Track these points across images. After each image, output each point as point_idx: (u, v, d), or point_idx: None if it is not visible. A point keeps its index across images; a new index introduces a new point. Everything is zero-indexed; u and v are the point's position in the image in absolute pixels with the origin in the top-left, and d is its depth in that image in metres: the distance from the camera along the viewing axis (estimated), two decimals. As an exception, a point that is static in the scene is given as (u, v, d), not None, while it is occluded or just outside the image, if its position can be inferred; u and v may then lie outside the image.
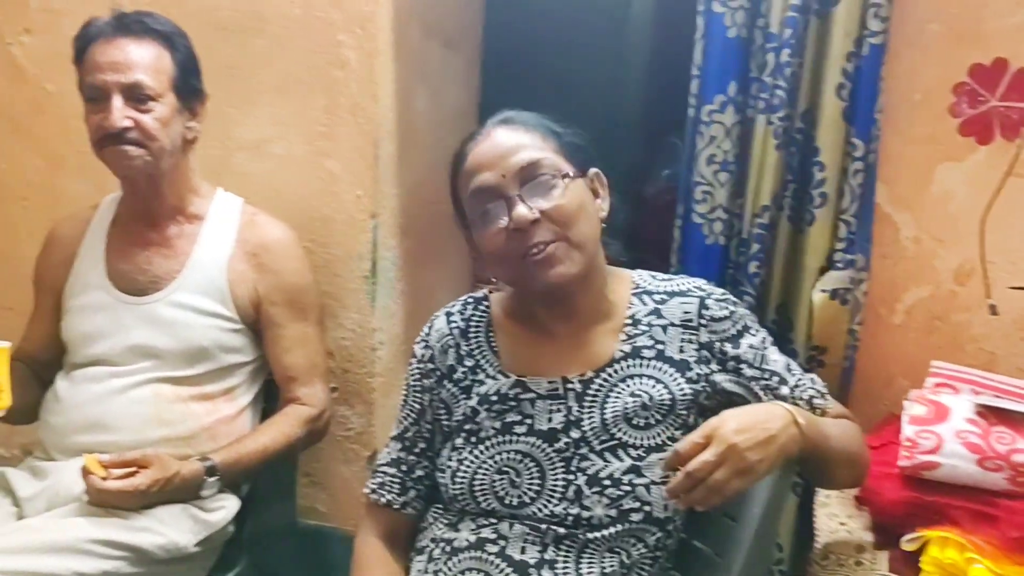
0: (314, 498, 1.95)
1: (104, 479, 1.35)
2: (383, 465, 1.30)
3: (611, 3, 3.34)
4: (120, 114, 1.43)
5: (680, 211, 1.61)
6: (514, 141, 1.14)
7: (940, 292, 1.63)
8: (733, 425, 1.02)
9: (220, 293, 1.53)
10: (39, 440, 1.56)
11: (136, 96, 1.44)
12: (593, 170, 1.19)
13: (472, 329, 1.25)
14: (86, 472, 1.35)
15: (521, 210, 1.10)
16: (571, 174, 1.14)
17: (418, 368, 1.27)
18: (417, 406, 1.27)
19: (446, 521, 1.22)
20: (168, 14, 1.68)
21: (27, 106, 1.95)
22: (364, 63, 1.73)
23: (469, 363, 1.23)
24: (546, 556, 1.13)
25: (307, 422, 1.57)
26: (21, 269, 2.01)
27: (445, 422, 1.24)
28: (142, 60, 1.45)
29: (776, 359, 1.20)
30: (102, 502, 1.36)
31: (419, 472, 1.27)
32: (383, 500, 1.28)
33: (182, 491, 1.42)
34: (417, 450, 1.27)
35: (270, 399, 1.67)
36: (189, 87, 1.52)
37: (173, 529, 1.40)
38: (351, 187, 1.79)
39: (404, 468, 1.28)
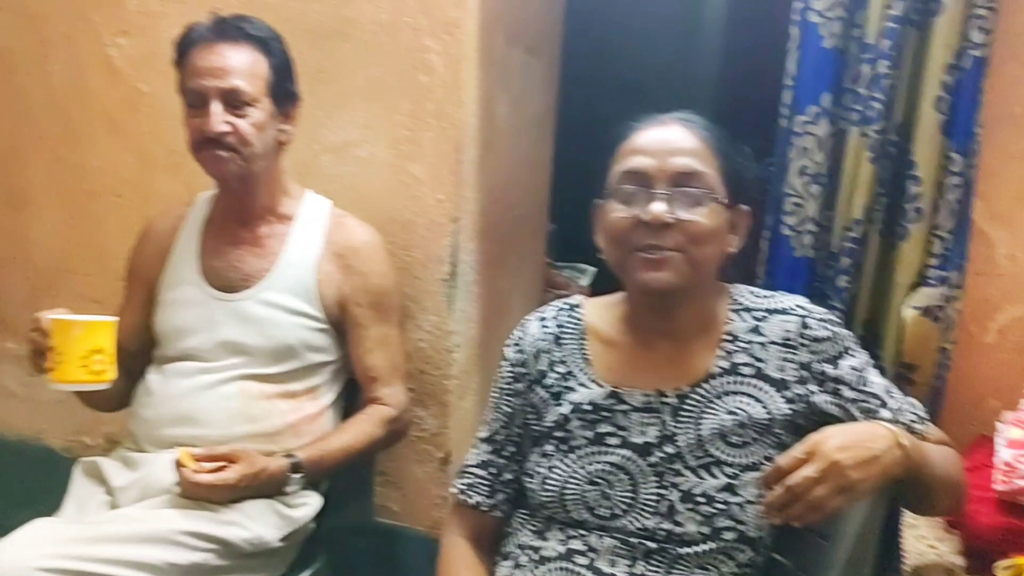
0: (387, 497, 1.96)
1: (196, 472, 1.39)
2: (472, 466, 1.31)
3: (684, 12, 3.32)
4: (218, 119, 1.46)
5: (769, 223, 1.59)
6: (687, 144, 1.13)
7: (1035, 312, 1.58)
8: (836, 442, 1.01)
9: (308, 293, 1.56)
10: (130, 431, 1.60)
11: (233, 101, 1.47)
12: (745, 207, 1.18)
13: (565, 335, 1.25)
14: (179, 465, 1.39)
15: (660, 207, 1.09)
16: (723, 200, 1.13)
17: (510, 372, 1.28)
18: (508, 409, 1.28)
19: (532, 528, 1.22)
20: (261, 18, 1.72)
21: (122, 105, 2.01)
22: (450, 69, 1.74)
23: (561, 369, 1.23)
24: (635, 570, 1.13)
25: (388, 423, 1.59)
26: (111, 263, 2.08)
27: (535, 427, 1.24)
28: (240, 65, 1.48)
29: (876, 382, 1.17)
30: (193, 495, 1.40)
31: (508, 475, 1.28)
32: (472, 501, 1.29)
33: (268, 486, 1.45)
34: (506, 453, 1.28)
35: (350, 398, 1.70)
36: (283, 91, 1.55)
37: (259, 524, 1.43)
38: (433, 191, 1.80)
39: (493, 470, 1.28)
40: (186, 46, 1.52)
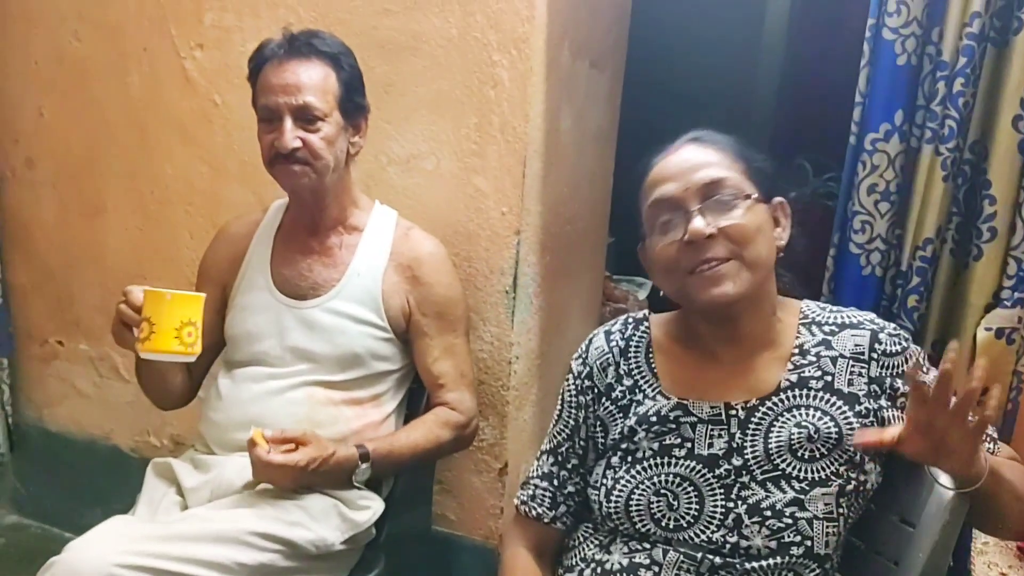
0: (445, 506, 1.98)
1: (268, 453, 1.42)
2: (534, 478, 1.32)
3: (746, 28, 3.31)
4: (291, 135, 1.49)
5: (835, 240, 1.58)
6: (702, 158, 1.15)
7: (1114, 335, 1.53)
8: None
9: (374, 302, 1.59)
10: (200, 434, 1.64)
11: (305, 117, 1.50)
12: (778, 199, 1.19)
13: (632, 349, 1.26)
14: (252, 444, 1.42)
15: (698, 223, 1.10)
16: (754, 196, 1.13)
17: (575, 384, 1.29)
18: (572, 422, 1.28)
19: (597, 541, 1.23)
20: (332, 32, 1.76)
21: (195, 117, 2.07)
22: (517, 83, 1.76)
23: (628, 382, 1.24)
24: (701, 585, 1.12)
25: (456, 427, 1.61)
26: (181, 270, 2.15)
27: (600, 440, 1.25)
28: (310, 82, 1.51)
29: None
30: (264, 475, 1.44)
31: (570, 488, 1.29)
32: (534, 513, 1.30)
33: (336, 472, 1.47)
34: (570, 465, 1.29)
35: (412, 407, 1.72)
36: (353, 105, 1.57)
37: (323, 525, 1.46)
38: (497, 204, 1.82)
39: (556, 483, 1.29)
40: (259, 62, 1.56)
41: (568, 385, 1.30)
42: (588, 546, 1.23)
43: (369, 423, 1.60)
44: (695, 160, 1.15)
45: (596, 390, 1.26)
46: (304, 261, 1.62)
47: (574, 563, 1.24)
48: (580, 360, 1.29)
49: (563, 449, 1.29)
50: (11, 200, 2.36)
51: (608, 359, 1.26)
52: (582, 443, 1.28)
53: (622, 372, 1.24)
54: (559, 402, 1.31)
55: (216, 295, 1.68)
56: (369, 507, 1.54)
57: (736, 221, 1.11)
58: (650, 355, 1.25)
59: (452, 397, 1.63)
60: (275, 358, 1.59)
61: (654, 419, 1.19)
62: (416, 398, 1.71)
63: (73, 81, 2.20)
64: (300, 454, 1.43)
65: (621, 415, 1.22)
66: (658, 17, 2.83)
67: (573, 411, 1.28)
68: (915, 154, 1.51)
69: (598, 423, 1.25)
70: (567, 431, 1.29)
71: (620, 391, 1.24)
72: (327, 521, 1.47)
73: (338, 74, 1.55)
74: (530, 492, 1.31)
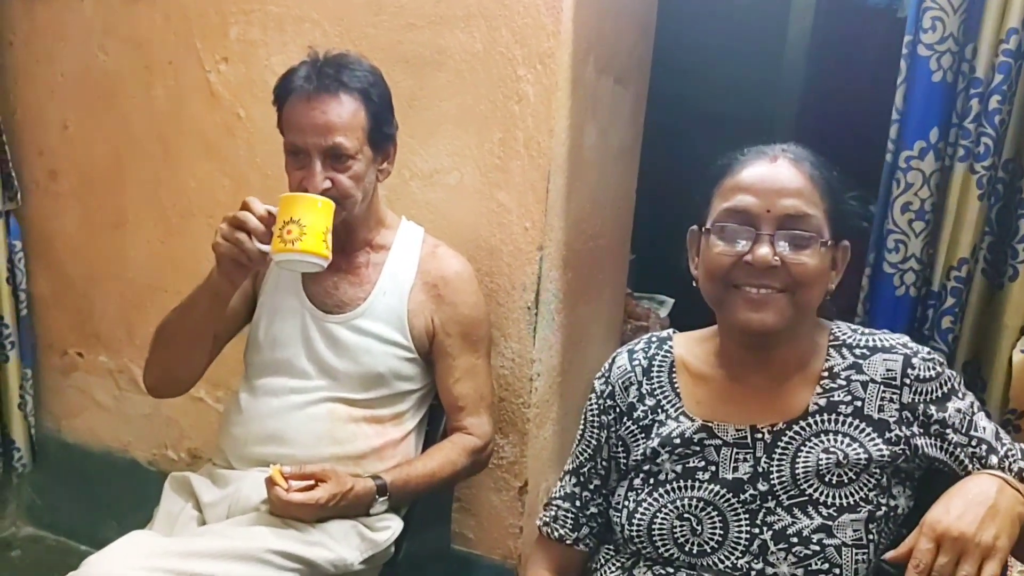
0: (463, 524, 1.96)
1: (287, 491, 1.40)
2: (557, 499, 1.29)
3: (768, 45, 3.30)
4: (320, 178, 1.46)
5: (870, 260, 1.55)
6: (795, 184, 1.09)
7: None
8: (951, 515, 0.99)
9: (400, 322, 1.57)
10: (219, 448, 1.63)
11: (334, 155, 1.47)
12: (844, 243, 1.14)
13: (655, 368, 1.23)
14: (271, 483, 1.41)
15: (765, 250, 1.07)
16: (828, 242, 1.09)
17: (597, 404, 1.26)
18: (594, 442, 1.26)
19: (619, 563, 1.20)
20: (357, 48, 1.76)
21: (219, 130, 2.07)
22: (542, 98, 1.75)
23: (650, 402, 1.21)
24: (726, 611, 1.09)
25: (472, 452, 1.59)
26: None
27: (622, 460, 1.22)
28: (339, 120, 1.46)
29: (985, 426, 1.12)
30: (284, 512, 1.42)
31: (593, 509, 1.26)
32: (556, 534, 1.27)
33: (354, 507, 1.46)
34: (592, 486, 1.26)
35: (432, 423, 1.70)
36: (382, 135, 1.53)
37: (342, 545, 1.44)
38: (520, 219, 1.81)
39: (578, 503, 1.27)
40: (285, 92, 1.51)
41: (590, 404, 1.28)
42: (610, 568, 1.20)
43: (389, 441, 1.58)
44: (785, 183, 1.09)
45: (618, 409, 1.23)
46: (331, 279, 1.59)
47: (597, 586, 1.21)
48: (603, 379, 1.27)
49: (585, 469, 1.27)
50: (34, 212, 2.36)
51: (631, 378, 1.23)
52: (604, 463, 1.25)
53: (644, 392, 1.22)
54: (581, 421, 1.29)
55: (247, 281, 1.61)
56: (388, 527, 1.52)
57: (803, 261, 1.07)
58: (673, 375, 1.22)
59: (470, 421, 1.61)
60: (298, 370, 1.57)
61: (677, 441, 1.16)
62: (437, 416, 1.70)
63: (98, 94, 2.21)
64: (320, 491, 1.41)
65: (643, 436, 1.20)
66: (681, 34, 2.82)
67: (595, 431, 1.26)
68: (949, 172, 1.48)
69: (620, 443, 1.23)
70: (589, 451, 1.27)
71: (642, 411, 1.21)
72: (347, 541, 1.45)
73: (367, 107, 1.50)
74: (552, 513, 1.29)
